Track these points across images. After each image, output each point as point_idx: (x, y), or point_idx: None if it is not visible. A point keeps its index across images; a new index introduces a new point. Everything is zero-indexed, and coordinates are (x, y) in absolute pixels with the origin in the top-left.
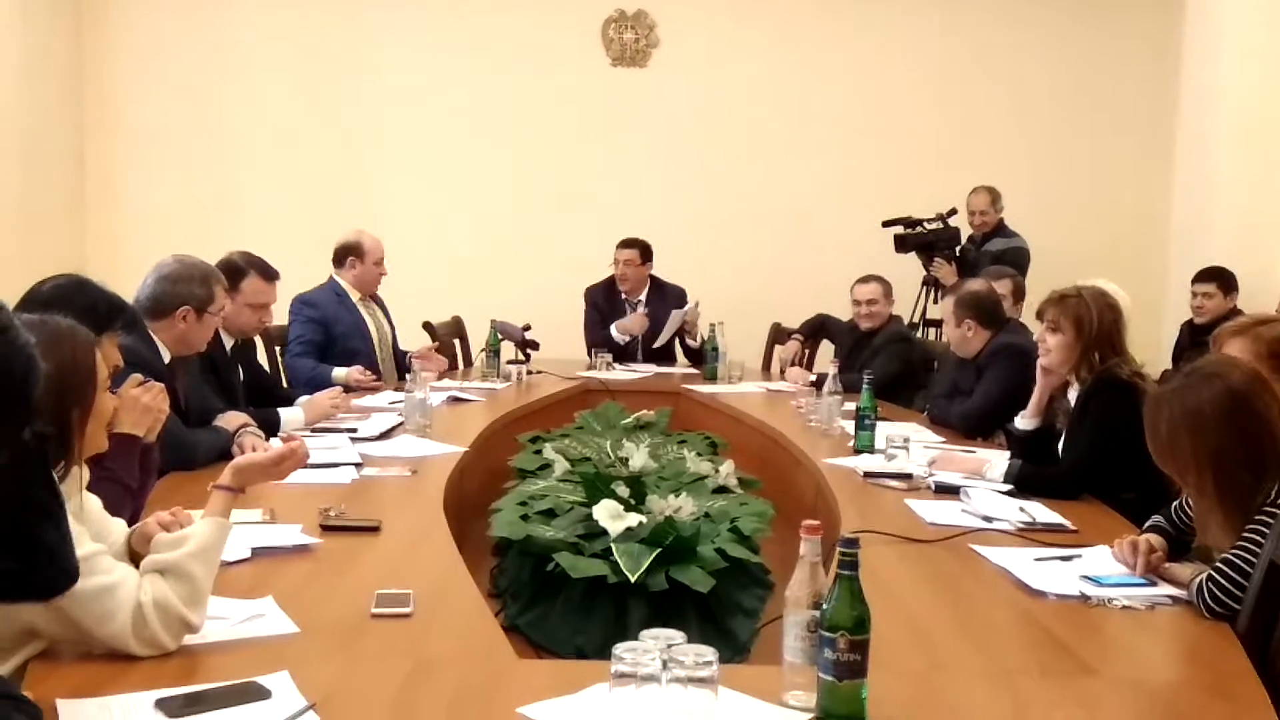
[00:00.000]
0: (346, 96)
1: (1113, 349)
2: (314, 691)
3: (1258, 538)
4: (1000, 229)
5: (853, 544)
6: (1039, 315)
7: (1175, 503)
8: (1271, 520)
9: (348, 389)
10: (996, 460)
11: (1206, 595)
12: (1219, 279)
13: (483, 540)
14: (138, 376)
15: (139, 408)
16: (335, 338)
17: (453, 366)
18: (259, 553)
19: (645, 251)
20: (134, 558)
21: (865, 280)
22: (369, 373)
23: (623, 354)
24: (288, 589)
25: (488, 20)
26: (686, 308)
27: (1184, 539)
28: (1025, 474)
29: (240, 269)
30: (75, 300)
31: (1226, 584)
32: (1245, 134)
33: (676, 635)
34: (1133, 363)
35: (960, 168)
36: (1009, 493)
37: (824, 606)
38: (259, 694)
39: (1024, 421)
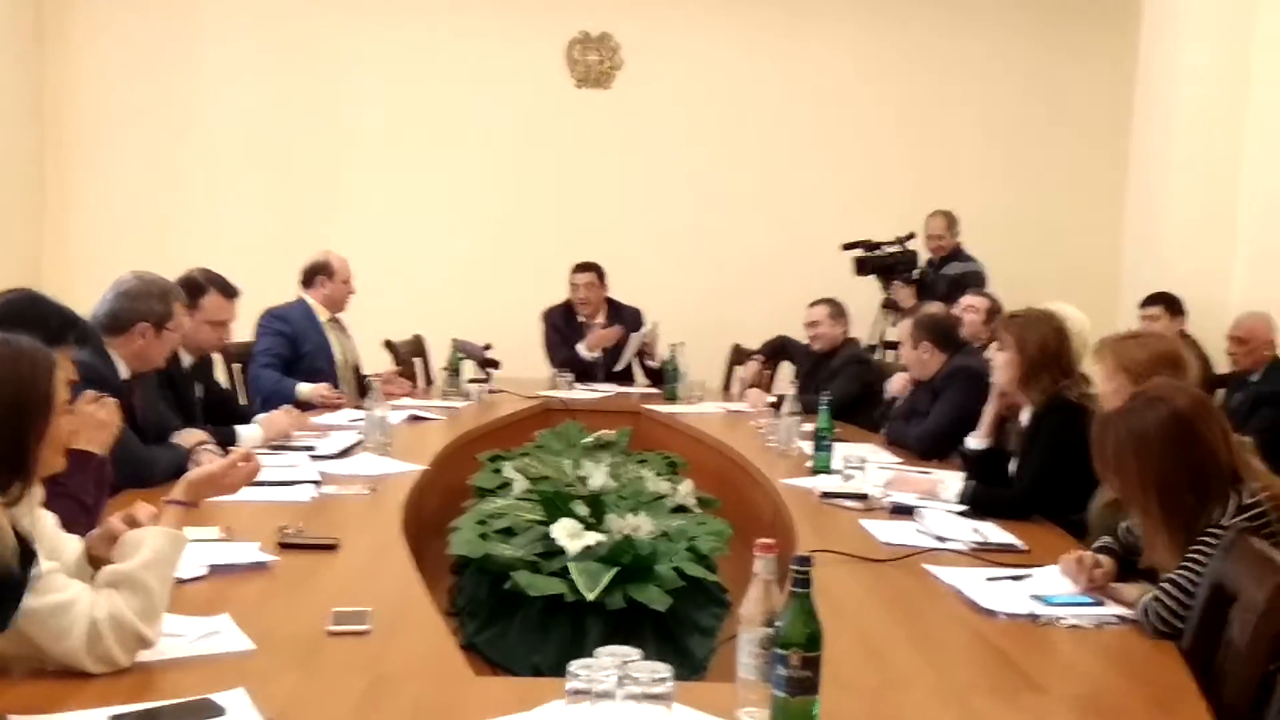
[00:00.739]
0: (310, 114)
1: (1062, 371)
2: (270, 708)
3: (1201, 558)
4: (957, 253)
5: (805, 562)
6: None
7: (1123, 523)
8: (1215, 541)
9: (308, 406)
10: (950, 481)
11: (1152, 615)
12: (1164, 303)
13: (441, 559)
14: (91, 392)
15: (94, 423)
16: (302, 356)
17: (413, 385)
18: (216, 570)
19: (600, 274)
20: (96, 564)
21: (813, 304)
22: (334, 391)
23: (584, 374)
24: (245, 606)
25: (452, 42)
26: (644, 329)
27: (1131, 558)
28: (978, 494)
29: (200, 286)
30: (27, 313)
31: (1172, 604)
32: (1197, 158)
33: (632, 652)
34: (1084, 384)
35: (920, 191)
36: (963, 513)
37: (777, 624)
38: (214, 711)
39: (975, 441)
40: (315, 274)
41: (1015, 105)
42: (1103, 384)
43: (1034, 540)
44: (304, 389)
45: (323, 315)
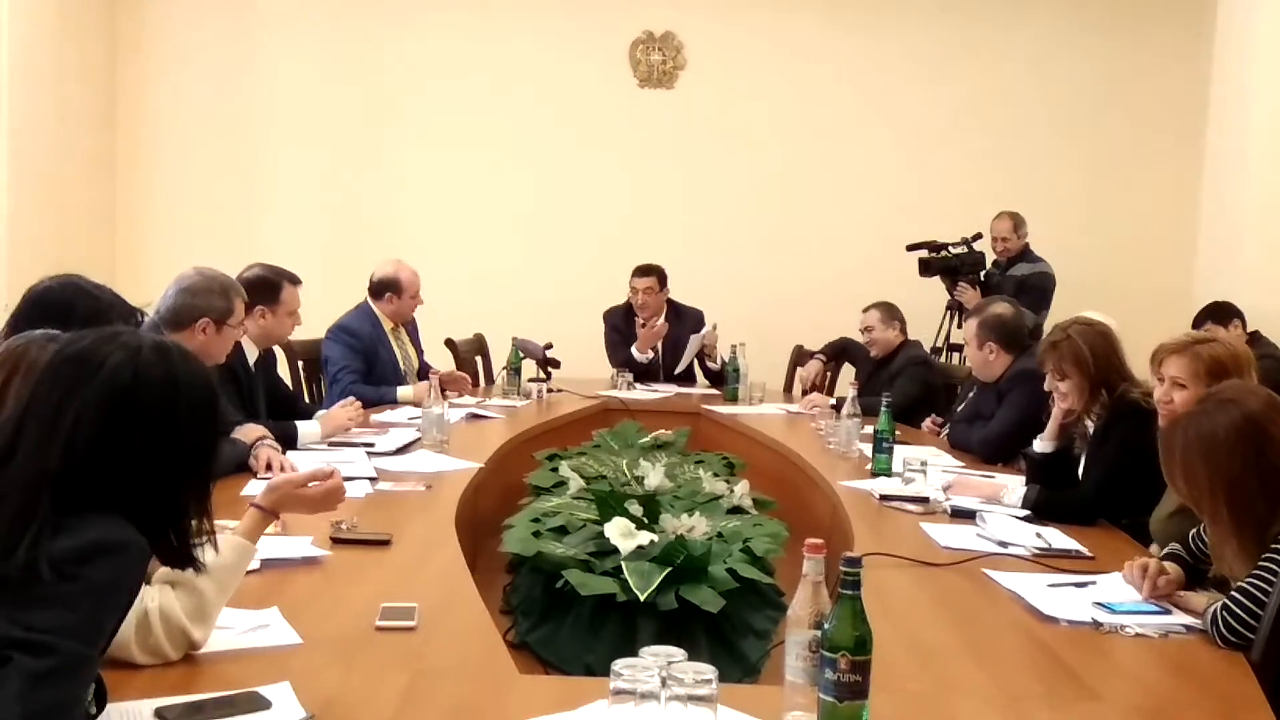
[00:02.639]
0: (374, 114)
1: (1120, 374)
2: (314, 702)
3: (1274, 566)
4: (1025, 254)
5: (855, 563)
6: (1039, 366)
7: (1193, 530)
8: None
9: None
10: (1014, 485)
11: (1221, 624)
12: (1210, 317)
13: (497, 557)
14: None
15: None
16: (372, 368)
17: (475, 384)
18: (268, 564)
19: (662, 278)
20: None
21: (866, 309)
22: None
23: (644, 374)
24: (294, 601)
25: (516, 42)
26: (704, 331)
27: (1200, 567)
28: (1042, 499)
29: (274, 282)
30: (78, 305)
31: (1241, 613)
32: (1275, 161)
33: (677, 652)
34: (1140, 383)
35: (987, 191)
36: (1025, 518)
37: (825, 626)
38: (259, 704)
39: (1042, 444)
40: (384, 289)
41: (1087, 105)
42: (1165, 392)
43: (1099, 546)
44: (404, 393)
45: (388, 325)
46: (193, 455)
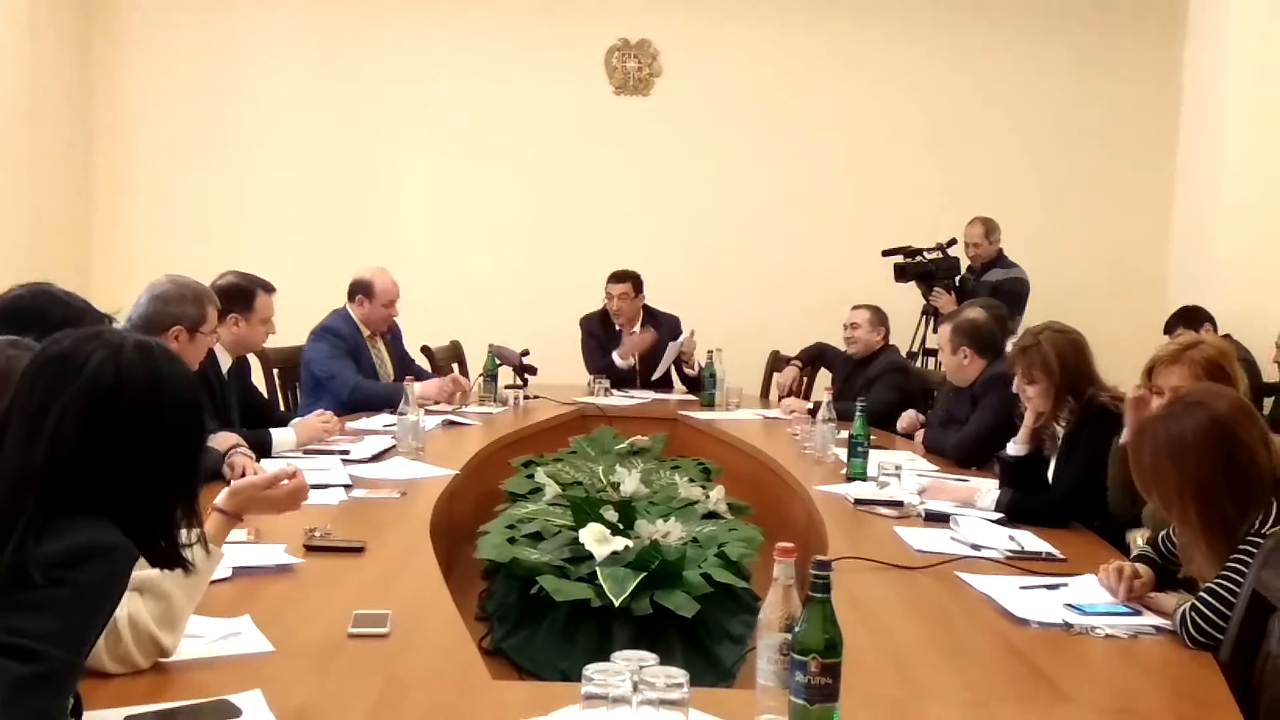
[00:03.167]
0: (351, 121)
1: (1088, 380)
2: (286, 710)
3: (1241, 567)
4: (999, 259)
5: (825, 566)
6: (1009, 370)
7: (1163, 532)
8: (1255, 550)
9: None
10: (987, 489)
11: (1189, 624)
12: (1183, 320)
13: (472, 564)
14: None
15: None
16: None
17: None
18: (240, 572)
19: (637, 284)
20: None
21: (856, 307)
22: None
23: (621, 380)
24: (267, 608)
25: (492, 48)
26: (681, 338)
27: (1170, 569)
28: (1015, 502)
29: (248, 290)
30: (49, 311)
31: (1209, 613)
32: (1247, 164)
33: (649, 657)
34: (1110, 388)
35: (961, 197)
36: (999, 521)
37: (796, 629)
38: (229, 712)
39: (1014, 448)
40: (356, 291)
41: (1060, 110)
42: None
43: (1072, 549)
44: (423, 388)
45: (364, 331)
46: (179, 454)
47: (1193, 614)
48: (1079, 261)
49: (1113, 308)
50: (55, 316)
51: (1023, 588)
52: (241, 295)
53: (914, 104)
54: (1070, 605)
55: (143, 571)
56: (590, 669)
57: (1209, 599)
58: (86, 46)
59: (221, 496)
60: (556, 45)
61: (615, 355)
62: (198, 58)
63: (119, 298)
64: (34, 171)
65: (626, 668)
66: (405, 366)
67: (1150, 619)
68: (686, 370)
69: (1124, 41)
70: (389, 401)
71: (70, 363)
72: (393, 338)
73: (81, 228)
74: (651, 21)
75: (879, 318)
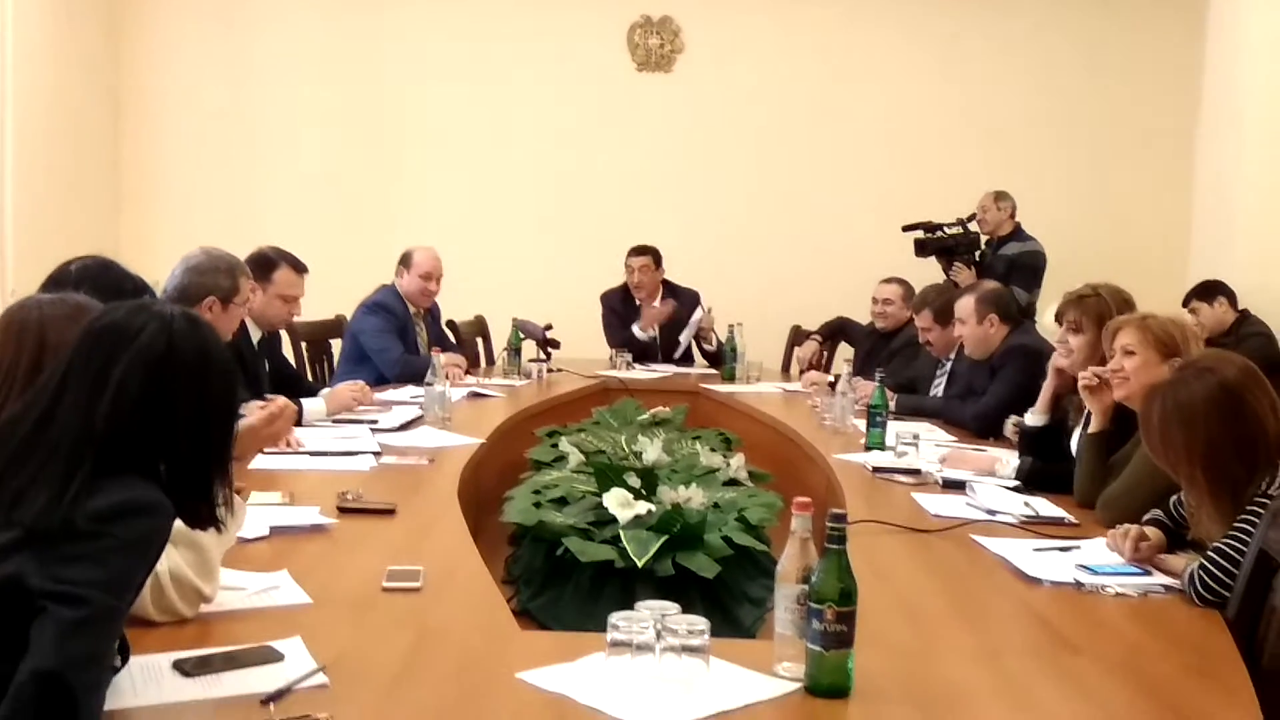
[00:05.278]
0: (375, 99)
1: None
2: (324, 656)
3: (1248, 527)
4: (1016, 233)
5: (840, 519)
6: (1058, 317)
7: (1174, 496)
8: (1262, 510)
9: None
10: (1007, 458)
11: (1197, 583)
12: (1197, 295)
13: (498, 530)
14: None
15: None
16: (405, 343)
17: (474, 364)
18: (277, 531)
19: (656, 258)
20: None
21: (888, 281)
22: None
23: (643, 355)
24: (303, 564)
25: (514, 25)
26: (700, 313)
27: (1181, 532)
28: (1035, 470)
29: (271, 261)
30: (100, 280)
31: (1217, 572)
32: (1269, 140)
33: (671, 606)
34: None
35: (982, 173)
36: (1015, 488)
37: (812, 579)
38: (272, 657)
39: (1033, 418)
40: (400, 263)
41: (1081, 86)
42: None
43: (1086, 514)
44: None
45: (411, 307)
46: (222, 420)
47: (1200, 572)
48: (1100, 237)
49: (1132, 283)
50: (128, 287)
51: (1036, 550)
52: (263, 264)
53: (936, 79)
54: (1082, 565)
55: (176, 525)
56: (615, 616)
57: (1216, 558)
58: (117, 32)
59: None
60: (579, 23)
61: (635, 327)
62: (225, 43)
63: (148, 275)
64: (65, 153)
65: (650, 616)
66: (440, 346)
67: (1160, 578)
68: (705, 345)
69: (1145, 16)
70: None
71: (125, 332)
72: (432, 319)
73: (111, 208)
74: None
75: (910, 292)
